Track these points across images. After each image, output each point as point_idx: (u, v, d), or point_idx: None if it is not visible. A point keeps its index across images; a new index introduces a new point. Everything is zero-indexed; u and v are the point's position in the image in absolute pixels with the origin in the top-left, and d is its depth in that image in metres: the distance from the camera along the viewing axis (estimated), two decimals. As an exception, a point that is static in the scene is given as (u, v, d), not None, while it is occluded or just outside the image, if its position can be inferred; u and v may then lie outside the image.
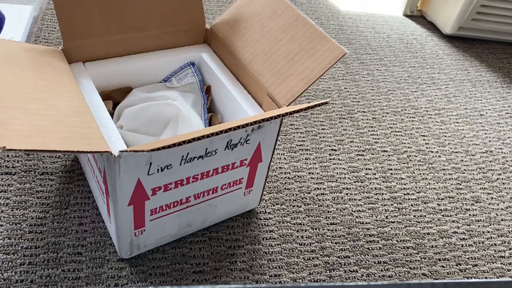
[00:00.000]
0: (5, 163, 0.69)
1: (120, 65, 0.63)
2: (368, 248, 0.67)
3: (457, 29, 1.19)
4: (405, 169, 0.81)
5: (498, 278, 0.67)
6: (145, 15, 0.63)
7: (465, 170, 0.83)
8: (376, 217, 0.72)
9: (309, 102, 0.50)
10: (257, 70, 0.59)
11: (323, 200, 0.73)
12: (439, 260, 0.68)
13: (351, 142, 0.84)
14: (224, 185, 0.59)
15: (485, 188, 0.81)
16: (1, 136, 0.39)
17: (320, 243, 0.67)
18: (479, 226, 0.74)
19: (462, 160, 0.85)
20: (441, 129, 0.92)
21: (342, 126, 0.88)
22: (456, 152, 0.87)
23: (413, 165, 0.82)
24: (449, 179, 0.81)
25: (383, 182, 0.78)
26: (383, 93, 0.98)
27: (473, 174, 0.83)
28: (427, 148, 0.87)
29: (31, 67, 0.52)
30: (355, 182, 0.77)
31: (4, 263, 0.57)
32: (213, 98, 0.69)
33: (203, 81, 0.70)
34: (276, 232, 0.67)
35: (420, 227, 0.72)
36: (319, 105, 0.50)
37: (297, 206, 0.71)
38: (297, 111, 0.50)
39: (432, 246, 0.69)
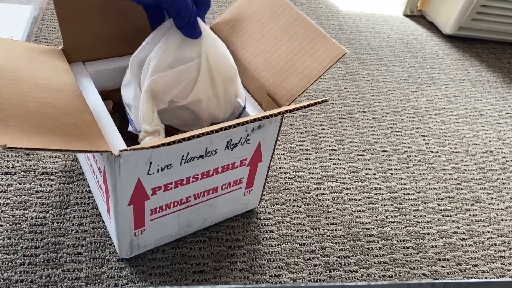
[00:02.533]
0: (5, 163, 0.69)
1: (120, 65, 0.63)
2: (368, 248, 0.67)
3: (457, 29, 1.19)
4: (405, 169, 0.81)
5: (498, 278, 0.67)
6: (145, 15, 0.63)
7: (465, 170, 0.83)
8: (376, 217, 0.72)
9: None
10: (257, 69, 0.59)
11: (323, 200, 0.73)
12: (439, 260, 0.68)
13: (351, 142, 0.84)
14: (224, 185, 0.59)
15: (485, 188, 0.81)
16: (1, 134, 0.39)
17: (320, 243, 0.67)
18: (479, 226, 0.74)
19: (462, 160, 0.85)
20: (441, 129, 0.92)
21: (342, 126, 0.88)
22: (456, 152, 0.87)
23: (413, 165, 0.82)
24: (449, 179, 0.81)
25: (383, 182, 0.78)
26: (383, 93, 0.98)
27: (473, 174, 0.83)
28: (427, 148, 0.87)
29: (31, 66, 0.52)
30: (355, 182, 0.77)
31: (4, 263, 0.57)
32: (213, 98, 0.69)
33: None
34: (276, 232, 0.67)
35: (420, 227, 0.72)
36: (319, 102, 0.50)
37: (297, 206, 0.71)
38: (297, 109, 0.50)
39: (432, 246, 0.69)
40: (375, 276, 0.64)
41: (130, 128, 0.56)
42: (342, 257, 0.65)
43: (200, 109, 0.55)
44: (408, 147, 0.86)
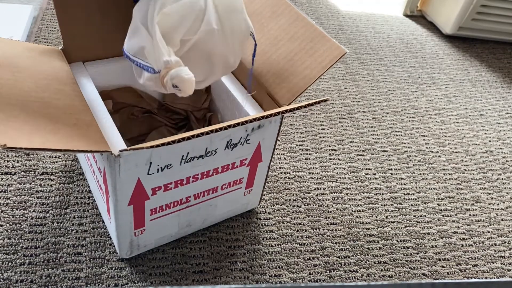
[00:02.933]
0: (5, 163, 0.69)
1: (120, 65, 0.63)
2: (368, 248, 0.67)
3: (457, 29, 1.19)
4: (405, 169, 0.81)
5: (498, 278, 0.67)
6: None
7: (465, 170, 0.83)
8: (376, 217, 0.72)
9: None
10: (257, 69, 0.59)
11: (323, 200, 0.73)
12: (439, 260, 0.68)
13: (351, 142, 0.84)
14: (224, 185, 0.59)
15: (485, 188, 0.81)
16: (1, 134, 0.39)
17: (320, 243, 0.67)
18: (479, 226, 0.74)
19: (462, 160, 0.85)
20: (441, 129, 0.92)
21: (342, 126, 0.88)
22: (456, 152, 0.87)
23: (413, 165, 0.82)
24: (449, 179, 0.81)
25: (383, 182, 0.78)
26: (383, 93, 0.98)
27: (473, 174, 0.83)
28: (427, 148, 0.86)
29: (31, 66, 0.52)
30: (355, 182, 0.77)
31: (4, 263, 0.57)
32: (213, 98, 0.69)
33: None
34: (276, 232, 0.67)
35: (420, 227, 0.72)
36: (319, 102, 0.50)
37: (297, 206, 0.71)
38: (297, 108, 0.50)
39: (432, 246, 0.69)
40: (375, 276, 0.64)
41: (145, 77, 0.52)
42: (342, 257, 0.65)
43: (214, 46, 0.52)
44: (408, 147, 0.86)
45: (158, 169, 0.50)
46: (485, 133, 0.93)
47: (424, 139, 0.88)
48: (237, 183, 0.61)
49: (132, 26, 0.53)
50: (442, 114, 0.96)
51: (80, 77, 0.58)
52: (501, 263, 0.69)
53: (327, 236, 0.68)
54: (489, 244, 0.71)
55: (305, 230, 0.68)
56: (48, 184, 0.67)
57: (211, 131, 0.45)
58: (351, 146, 0.84)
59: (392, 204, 0.74)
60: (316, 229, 0.68)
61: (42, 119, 0.44)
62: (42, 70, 0.52)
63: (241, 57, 0.58)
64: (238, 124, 0.47)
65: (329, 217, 0.70)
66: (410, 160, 0.83)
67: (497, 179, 0.83)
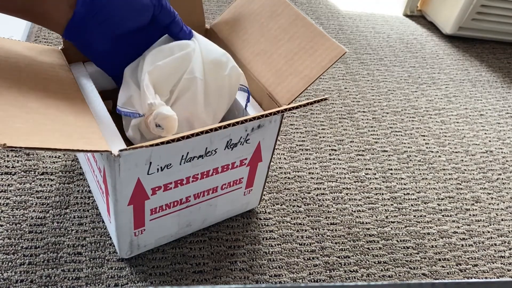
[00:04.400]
0: (5, 163, 0.69)
1: (120, 65, 0.63)
2: (368, 248, 0.67)
3: (457, 29, 1.19)
4: (405, 169, 0.81)
5: (498, 278, 0.67)
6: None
7: (465, 170, 0.83)
8: (376, 217, 0.72)
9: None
10: (257, 69, 0.59)
11: (323, 200, 0.73)
12: (439, 260, 0.68)
13: (351, 142, 0.84)
14: (224, 185, 0.59)
15: (485, 188, 0.81)
16: (1, 134, 0.39)
17: (320, 243, 0.67)
18: (479, 226, 0.74)
19: (462, 160, 0.85)
20: (441, 129, 0.92)
21: (342, 126, 0.88)
22: (456, 152, 0.87)
23: (413, 165, 0.82)
24: (449, 179, 0.81)
25: (383, 182, 0.78)
26: (383, 93, 0.98)
27: (473, 174, 0.83)
28: (427, 148, 0.86)
29: (31, 66, 0.52)
30: (355, 182, 0.77)
31: (4, 263, 0.57)
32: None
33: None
34: (276, 232, 0.67)
35: (420, 227, 0.72)
36: (319, 101, 0.50)
37: (297, 206, 0.71)
38: (297, 107, 0.50)
39: (432, 246, 0.69)
40: (375, 276, 0.64)
41: (131, 124, 0.54)
42: (342, 257, 0.65)
43: (194, 99, 0.53)
44: (408, 147, 0.86)
45: (158, 169, 0.50)
46: (485, 133, 0.93)
47: (424, 139, 0.88)
48: (237, 183, 0.61)
49: (123, 83, 0.56)
50: (442, 114, 0.96)
51: (80, 77, 0.58)
52: (501, 263, 0.69)
53: (327, 236, 0.68)
54: (489, 244, 0.71)
55: (305, 230, 0.68)
56: (48, 184, 0.67)
57: (211, 130, 0.45)
58: (351, 146, 0.84)
59: (392, 204, 0.74)
60: (316, 229, 0.68)
61: (41, 119, 0.44)
62: (42, 70, 0.52)
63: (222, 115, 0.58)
64: (238, 123, 0.47)
65: (329, 217, 0.70)
66: (410, 160, 0.83)
67: (497, 179, 0.83)
